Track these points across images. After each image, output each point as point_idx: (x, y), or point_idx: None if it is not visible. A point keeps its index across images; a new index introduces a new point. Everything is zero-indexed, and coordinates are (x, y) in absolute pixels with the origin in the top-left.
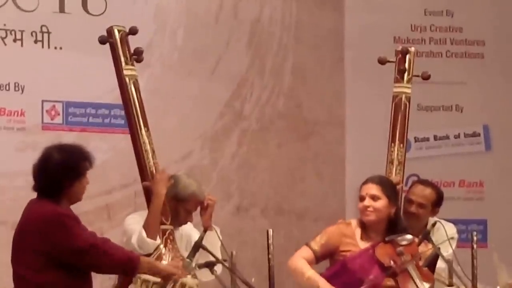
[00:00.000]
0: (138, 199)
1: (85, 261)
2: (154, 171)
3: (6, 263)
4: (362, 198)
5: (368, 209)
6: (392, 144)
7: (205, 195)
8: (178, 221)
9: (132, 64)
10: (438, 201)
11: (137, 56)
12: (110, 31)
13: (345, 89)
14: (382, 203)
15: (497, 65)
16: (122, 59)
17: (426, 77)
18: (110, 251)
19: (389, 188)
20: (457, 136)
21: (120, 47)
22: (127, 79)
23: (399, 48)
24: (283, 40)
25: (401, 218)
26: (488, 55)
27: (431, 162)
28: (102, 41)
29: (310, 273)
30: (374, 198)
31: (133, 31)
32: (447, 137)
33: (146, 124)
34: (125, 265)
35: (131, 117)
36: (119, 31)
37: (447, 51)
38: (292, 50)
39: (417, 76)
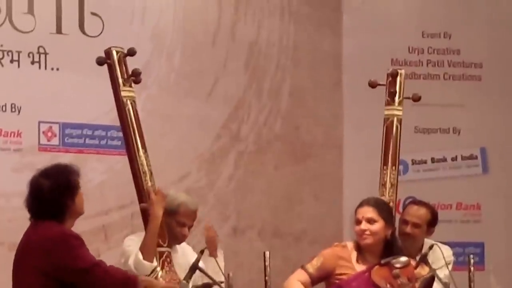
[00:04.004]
0: (135, 220)
1: (87, 281)
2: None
3: (3, 284)
4: (358, 222)
5: (365, 232)
6: (385, 167)
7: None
8: (174, 237)
9: (130, 86)
10: (433, 220)
11: (135, 77)
12: (108, 52)
13: (343, 111)
14: (378, 226)
15: (495, 87)
16: (120, 80)
17: (416, 99)
18: (111, 271)
19: (385, 210)
20: (454, 159)
21: (118, 68)
22: (124, 100)
23: (389, 70)
24: (280, 61)
25: (397, 240)
26: (485, 78)
27: (428, 184)
28: (99, 62)
29: None
30: (370, 221)
31: (131, 52)
32: (444, 160)
33: (143, 146)
34: (126, 284)
35: (128, 138)
36: (117, 52)
37: (444, 73)
38: (290, 72)
39: (408, 98)
